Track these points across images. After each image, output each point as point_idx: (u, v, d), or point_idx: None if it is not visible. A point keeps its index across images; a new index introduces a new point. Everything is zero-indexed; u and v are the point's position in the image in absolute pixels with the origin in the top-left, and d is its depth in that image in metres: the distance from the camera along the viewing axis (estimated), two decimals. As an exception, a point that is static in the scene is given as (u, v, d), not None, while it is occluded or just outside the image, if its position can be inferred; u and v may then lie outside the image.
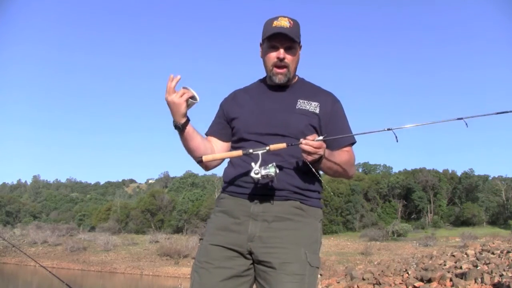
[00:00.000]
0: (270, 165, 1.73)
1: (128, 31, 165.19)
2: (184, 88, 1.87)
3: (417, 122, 1.84)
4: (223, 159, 1.99)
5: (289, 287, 1.77)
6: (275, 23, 1.92)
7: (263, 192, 1.85)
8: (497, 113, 1.80)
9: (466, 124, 1.78)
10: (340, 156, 1.90)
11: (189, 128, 1.92)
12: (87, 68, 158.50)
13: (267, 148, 1.79)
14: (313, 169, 1.81)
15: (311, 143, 1.72)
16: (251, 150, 1.79)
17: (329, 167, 1.87)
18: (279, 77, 1.95)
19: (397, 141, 1.75)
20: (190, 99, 1.86)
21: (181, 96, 1.84)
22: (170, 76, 1.83)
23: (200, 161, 1.90)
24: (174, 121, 1.91)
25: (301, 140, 1.74)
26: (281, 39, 1.91)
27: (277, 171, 1.73)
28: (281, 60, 1.92)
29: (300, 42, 1.98)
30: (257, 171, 1.73)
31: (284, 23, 1.92)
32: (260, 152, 1.78)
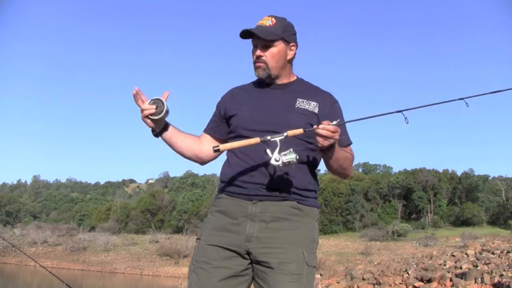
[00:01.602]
0: (288, 150, 1.70)
1: (130, 29, 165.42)
2: (151, 100, 1.85)
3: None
4: (238, 148, 1.88)
5: (287, 287, 1.78)
6: (258, 22, 1.96)
7: (261, 192, 1.85)
8: (493, 92, 1.96)
9: (467, 104, 1.90)
10: (345, 150, 1.93)
11: (166, 135, 1.96)
12: (87, 68, 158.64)
13: (285, 134, 1.76)
14: (324, 157, 1.85)
15: (328, 127, 1.70)
16: (269, 137, 1.76)
17: (338, 158, 1.86)
18: (258, 71, 1.97)
19: (407, 122, 1.80)
20: (151, 116, 1.85)
21: (142, 113, 1.87)
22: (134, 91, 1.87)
23: (217, 150, 1.86)
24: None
25: (315, 126, 1.72)
26: (255, 38, 1.94)
27: (297, 156, 1.71)
28: (257, 58, 1.95)
29: (285, 39, 1.96)
30: (278, 158, 1.69)
31: (265, 22, 1.94)
32: (278, 139, 1.75)
